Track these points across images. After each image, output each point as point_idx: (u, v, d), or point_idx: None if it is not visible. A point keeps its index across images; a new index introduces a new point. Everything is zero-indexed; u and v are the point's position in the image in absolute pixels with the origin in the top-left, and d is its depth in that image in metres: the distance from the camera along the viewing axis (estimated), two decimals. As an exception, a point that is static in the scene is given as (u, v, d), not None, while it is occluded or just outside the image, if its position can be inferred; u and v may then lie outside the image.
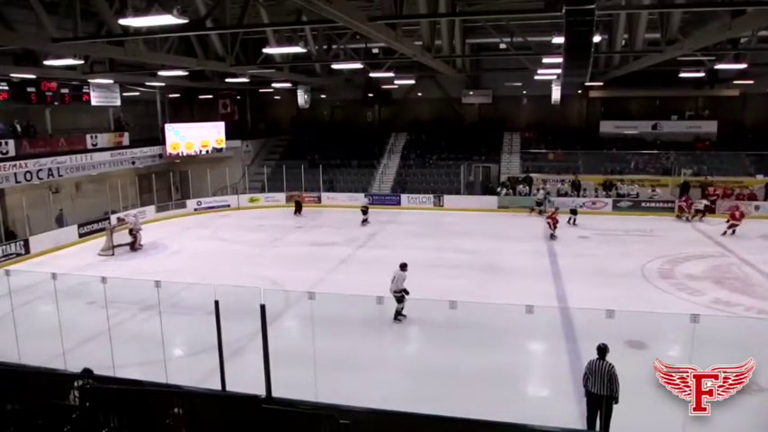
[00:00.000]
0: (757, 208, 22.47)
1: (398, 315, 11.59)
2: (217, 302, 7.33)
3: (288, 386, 7.25)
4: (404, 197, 26.48)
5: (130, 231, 18.99)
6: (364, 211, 22.87)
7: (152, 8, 11.82)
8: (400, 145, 30.95)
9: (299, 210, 25.24)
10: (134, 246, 18.83)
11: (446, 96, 31.59)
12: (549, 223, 19.79)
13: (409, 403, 6.69)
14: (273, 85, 27.31)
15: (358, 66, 21.13)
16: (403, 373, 9.57)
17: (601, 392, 7.00)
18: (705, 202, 22.75)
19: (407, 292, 11.42)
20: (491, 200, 25.53)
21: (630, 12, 15.18)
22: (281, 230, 21.88)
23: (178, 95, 30.34)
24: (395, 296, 11.35)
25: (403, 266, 11.64)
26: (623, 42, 17.47)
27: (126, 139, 25.14)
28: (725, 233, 19.30)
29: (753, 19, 10.61)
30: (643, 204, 23.44)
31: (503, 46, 20.07)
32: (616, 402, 6.98)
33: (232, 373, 7.62)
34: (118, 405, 5.77)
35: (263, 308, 7.24)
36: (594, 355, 7.20)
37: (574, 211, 21.98)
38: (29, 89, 20.26)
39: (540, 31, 18.65)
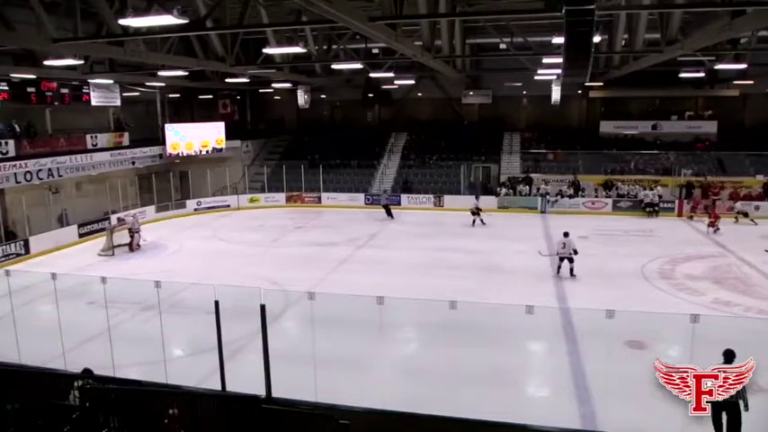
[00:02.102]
0: (757, 208, 22.42)
1: (572, 272, 14.48)
2: (217, 302, 7.33)
3: (288, 386, 7.26)
4: (404, 197, 26.46)
5: (129, 231, 19.00)
6: (474, 213, 22.21)
7: (152, 8, 11.82)
8: (400, 145, 30.92)
9: (389, 213, 23.95)
10: (132, 246, 18.82)
11: (446, 96, 31.56)
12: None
13: (409, 403, 6.69)
14: (273, 85, 27.31)
15: (358, 66, 21.10)
16: (403, 373, 9.56)
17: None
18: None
19: (576, 252, 14.41)
20: (491, 200, 25.50)
21: (630, 12, 15.18)
22: (281, 230, 21.87)
23: (178, 95, 30.30)
24: (570, 257, 14.30)
25: (566, 234, 14.60)
26: (623, 42, 17.47)
27: (126, 140, 25.10)
28: None
29: (753, 19, 10.60)
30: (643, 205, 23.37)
31: (503, 46, 20.08)
32: (746, 409, 6.19)
33: (232, 373, 7.63)
34: (118, 405, 5.79)
35: (263, 308, 7.25)
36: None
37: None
38: (29, 89, 20.22)
39: (540, 31, 18.66)
